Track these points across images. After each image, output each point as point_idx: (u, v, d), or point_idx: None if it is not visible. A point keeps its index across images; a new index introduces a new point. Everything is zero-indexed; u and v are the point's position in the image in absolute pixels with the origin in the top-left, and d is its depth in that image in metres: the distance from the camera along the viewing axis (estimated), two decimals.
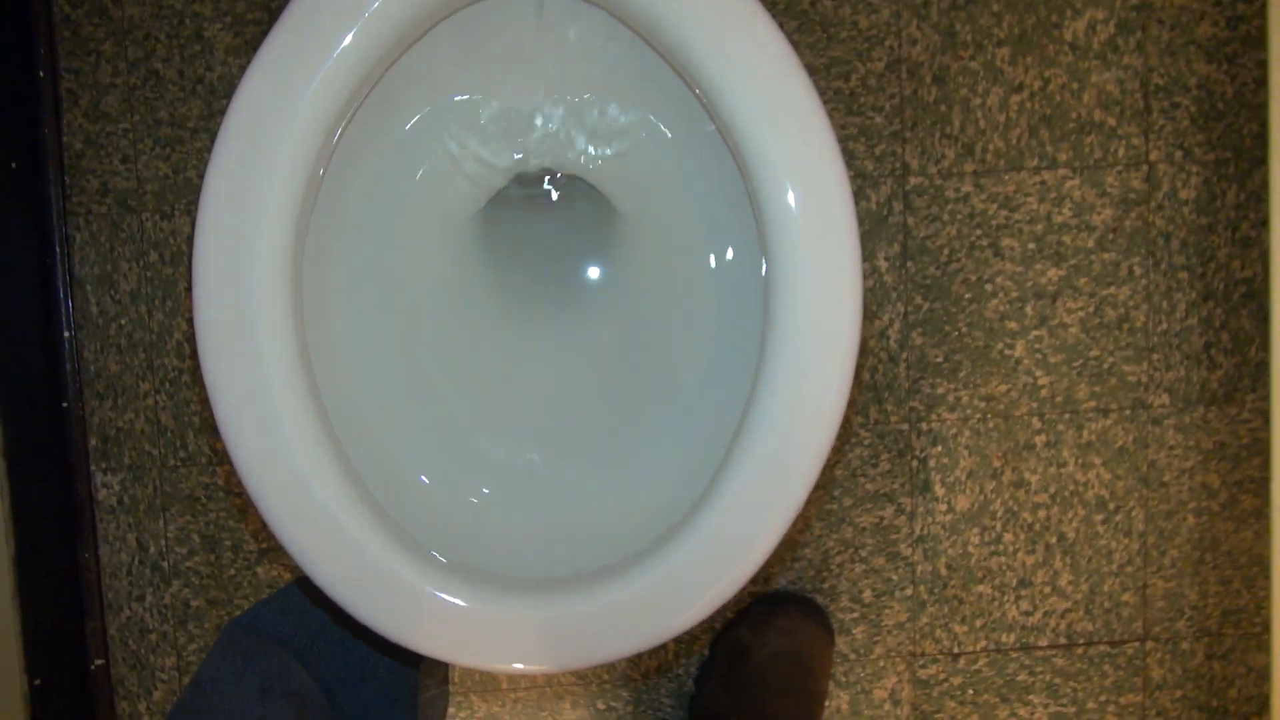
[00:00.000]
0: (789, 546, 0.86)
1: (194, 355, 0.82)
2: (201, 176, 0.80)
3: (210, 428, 0.83)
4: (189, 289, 0.82)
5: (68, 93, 0.80)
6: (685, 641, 0.86)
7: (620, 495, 0.60)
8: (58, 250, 0.80)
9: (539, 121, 0.60)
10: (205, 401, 0.83)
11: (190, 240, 0.81)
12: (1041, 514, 0.86)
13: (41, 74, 0.79)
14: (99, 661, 0.82)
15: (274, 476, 0.52)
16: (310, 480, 0.51)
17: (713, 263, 0.61)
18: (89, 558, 0.82)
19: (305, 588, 0.66)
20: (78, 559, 0.81)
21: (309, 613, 0.63)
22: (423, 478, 0.60)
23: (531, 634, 0.51)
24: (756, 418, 0.51)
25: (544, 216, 0.73)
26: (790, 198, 0.51)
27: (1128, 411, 0.86)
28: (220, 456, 0.83)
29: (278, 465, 0.52)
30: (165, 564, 0.83)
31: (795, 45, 0.80)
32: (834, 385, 0.52)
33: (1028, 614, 0.88)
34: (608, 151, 0.60)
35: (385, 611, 0.52)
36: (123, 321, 0.82)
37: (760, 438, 0.51)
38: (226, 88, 0.81)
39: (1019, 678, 0.88)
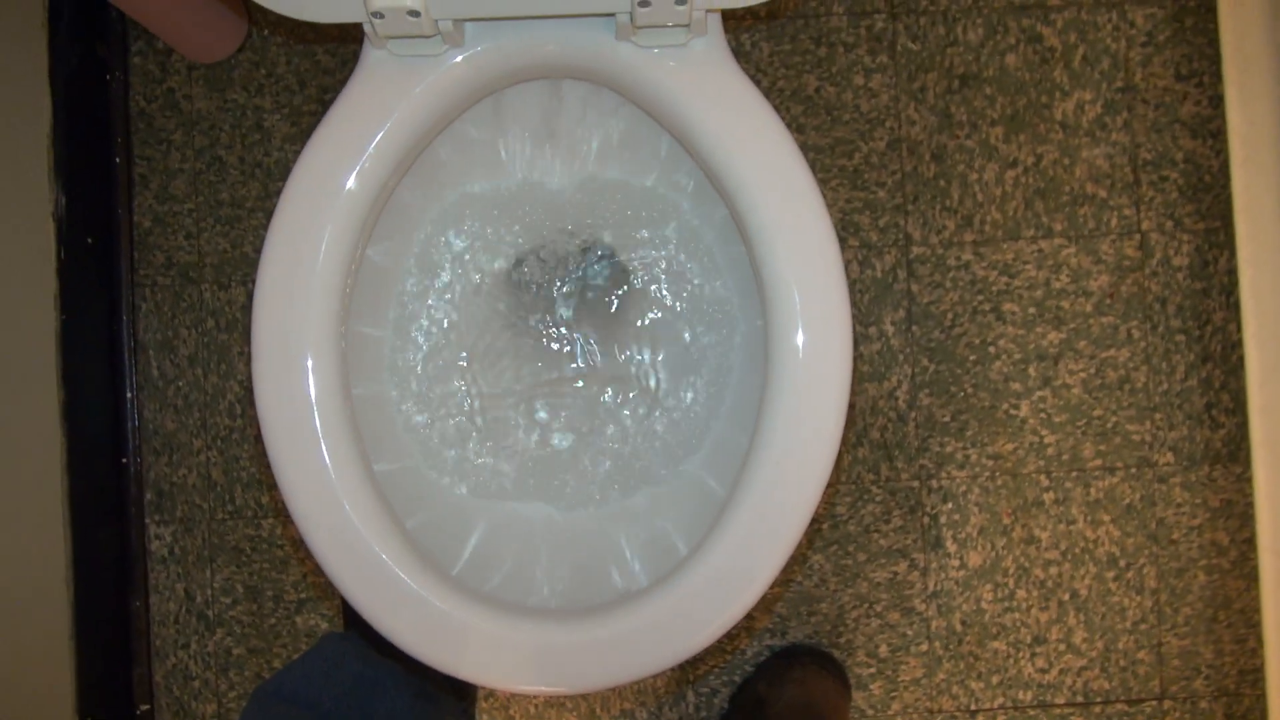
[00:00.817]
0: (805, 600, 0.88)
1: (244, 415, 0.88)
2: (257, 251, 0.87)
3: (257, 483, 0.88)
4: (243, 353, 0.88)
5: (140, 177, 0.89)
6: (705, 695, 0.88)
7: (630, 539, 0.64)
8: (125, 318, 0.87)
9: (562, 196, 0.67)
10: (253, 458, 0.88)
11: (247, 308, 0.88)
12: (1053, 570, 0.88)
13: (118, 160, 0.88)
14: (144, 707, 0.86)
15: (327, 524, 0.56)
16: (350, 513, 0.56)
17: (711, 331, 0.66)
18: (140, 605, 0.87)
19: (334, 646, 0.67)
20: (130, 606, 0.86)
21: (332, 678, 0.65)
22: (452, 514, 0.64)
23: (554, 658, 0.54)
24: (752, 474, 0.55)
25: (569, 290, 0.79)
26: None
27: (1134, 470, 0.88)
28: (265, 510, 0.88)
29: (329, 512, 0.56)
30: (210, 613, 0.88)
31: (801, 127, 0.87)
32: (820, 457, 0.55)
33: (1044, 671, 0.89)
34: (625, 224, 0.66)
35: (427, 642, 0.56)
36: (180, 384, 0.88)
37: (755, 491, 0.55)
38: (283, 171, 0.89)
39: None
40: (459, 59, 0.56)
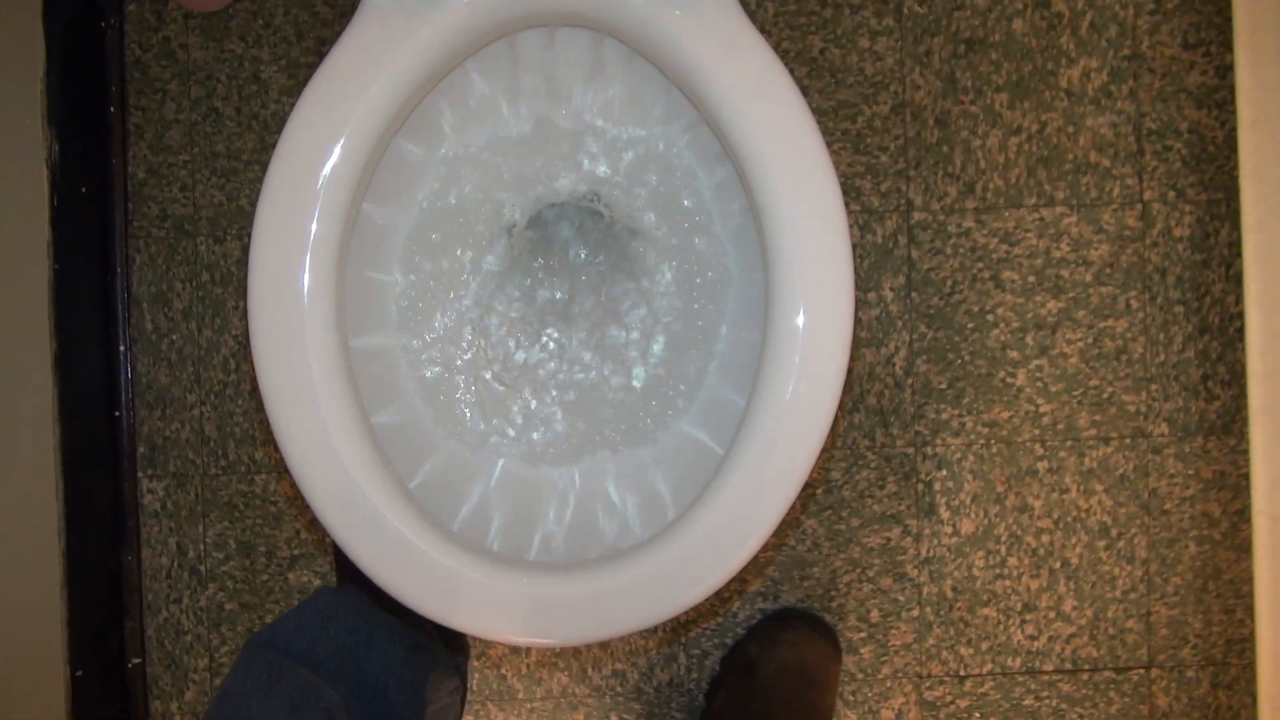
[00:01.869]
0: (798, 564, 0.89)
1: (239, 370, 0.87)
2: (253, 204, 0.86)
3: (250, 439, 0.88)
4: (237, 307, 0.88)
5: (135, 127, 0.88)
6: (696, 656, 0.89)
7: (627, 494, 0.64)
8: (118, 270, 0.86)
9: (564, 143, 0.66)
10: (247, 413, 0.88)
11: (242, 262, 0.88)
12: (1045, 539, 0.89)
13: (112, 110, 0.86)
14: (136, 660, 0.86)
15: (323, 474, 0.56)
16: (347, 465, 0.55)
17: (710, 276, 0.66)
18: (132, 559, 0.86)
19: (328, 599, 0.67)
20: (121, 560, 0.86)
21: (325, 631, 0.65)
22: (454, 471, 0.64)
23: (546, 610, 0.54)
24: (748, 435, 0.55)
25: (571, 246, 0.78)
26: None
27: (1128, 440, 0.88)
28: (258, 466, 0.88)
29: (326, 463, 0.56)
30: (203, 568, 0.88)
31: (805, 90, 0.86)
32: (816, 422, 0.55)
33: (1033, 638, 0.89)
34: (620, 174, 0.65)
35: (420, 592, 0.55)
36: (174, 337, 0.88)
37: (750, 452, 0.55)
38: (279, 124, 0.88)
39: (1025, 702, 0.90)
40: (464, 2, 0.55)
